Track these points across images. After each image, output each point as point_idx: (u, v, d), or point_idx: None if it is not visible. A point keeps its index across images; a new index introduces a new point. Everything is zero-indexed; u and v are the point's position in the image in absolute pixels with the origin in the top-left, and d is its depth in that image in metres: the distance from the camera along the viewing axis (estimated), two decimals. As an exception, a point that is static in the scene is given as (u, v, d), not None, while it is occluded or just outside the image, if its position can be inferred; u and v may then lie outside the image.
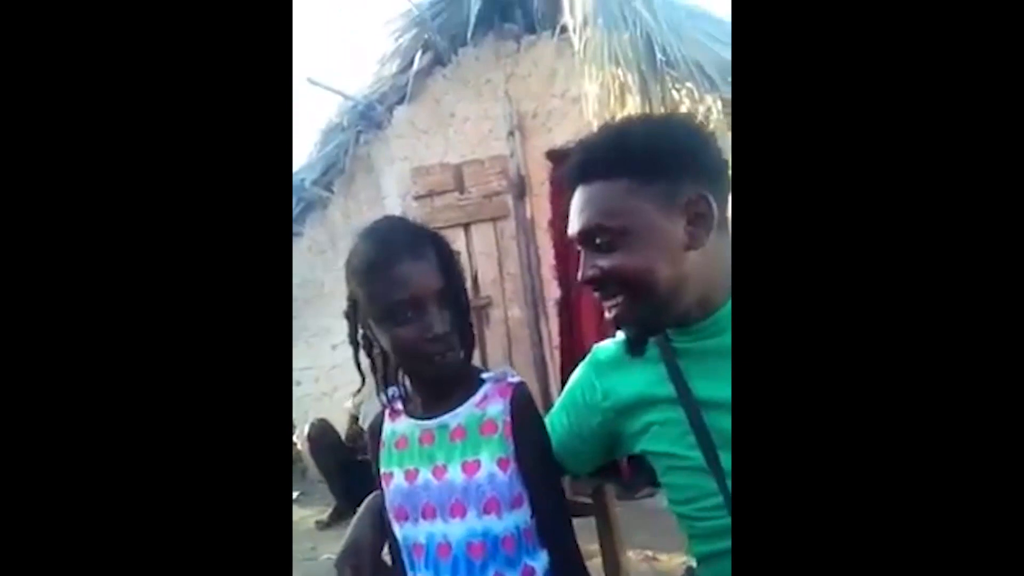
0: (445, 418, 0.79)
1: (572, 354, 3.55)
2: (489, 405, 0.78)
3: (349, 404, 3.32)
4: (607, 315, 0.72)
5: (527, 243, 3.46)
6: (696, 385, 0.72)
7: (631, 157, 0.69)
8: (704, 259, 0.70)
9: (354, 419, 3.24)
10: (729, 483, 0.69)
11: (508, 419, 0.77)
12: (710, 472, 0.69)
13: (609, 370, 0.82)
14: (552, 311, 3.41)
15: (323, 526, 3.05)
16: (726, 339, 0.71)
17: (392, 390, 0.82)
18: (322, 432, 3.09)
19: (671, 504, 0.78)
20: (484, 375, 0.81)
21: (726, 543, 0.57)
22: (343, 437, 3.18)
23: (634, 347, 0.76)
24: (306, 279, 3.82)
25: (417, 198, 3.53)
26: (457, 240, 3.45)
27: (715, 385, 0.71)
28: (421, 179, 3.53)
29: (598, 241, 0.69)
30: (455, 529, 0.75)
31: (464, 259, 3.43)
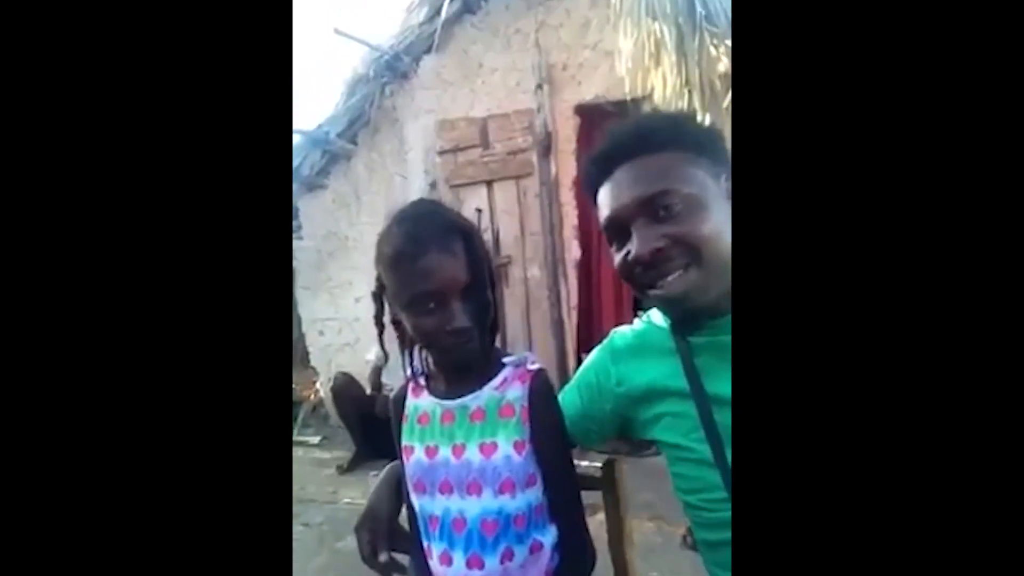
0: (466, 399, 0.80)
1: (589, 316, 3.57)
2: (508, 389, 0.80)
3: (371, 356, 3.41)
4: (661, 292, 0.68)
5: (550, 202, 3.42)
6: (709, 381, 0.72)
7: (684, 131, 0.71)
8: None
9: (376, 369, 3.33)
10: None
11: (526, 404, 0.78)
12: (716, 467, 0.69)
13: (625, 357, 0.82)
14: (571, 272, 3.40)
15: (343, 471, 3.19)
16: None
17: (416, 367, 0.84)
18: (345, 385, 3.19)
19: (677, 491, 0.79)
20: (505, 359, 0.82)
21: (729, 534, 0.58)
22: (367, 388, 3.28)
23: (684, 326, 0.72)
24: (330, 232, 3.85)
25: (441, 153, 3.50)
26: (479, 197, 3.43)
27: (728, 382, 0.71)
28: (446, 133, 3.48)
29: (662, 209, 0.66)
30: (471, 506, 0.78)
31: (485, 216, 3.43)
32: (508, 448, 0.77)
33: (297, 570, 1.98)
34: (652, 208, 0.68)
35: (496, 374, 0.80)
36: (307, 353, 4.06)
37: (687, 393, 0.73)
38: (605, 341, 0.87)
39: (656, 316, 0.83)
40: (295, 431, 4.00)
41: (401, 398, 0.87)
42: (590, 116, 3.37)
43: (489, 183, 3.46)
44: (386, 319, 0.84)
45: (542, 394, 0.80)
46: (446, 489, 0.79)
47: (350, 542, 0.82)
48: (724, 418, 0.69)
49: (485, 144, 3.43)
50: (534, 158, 3.35)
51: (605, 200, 0.72)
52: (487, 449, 0.78)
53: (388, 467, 0.90)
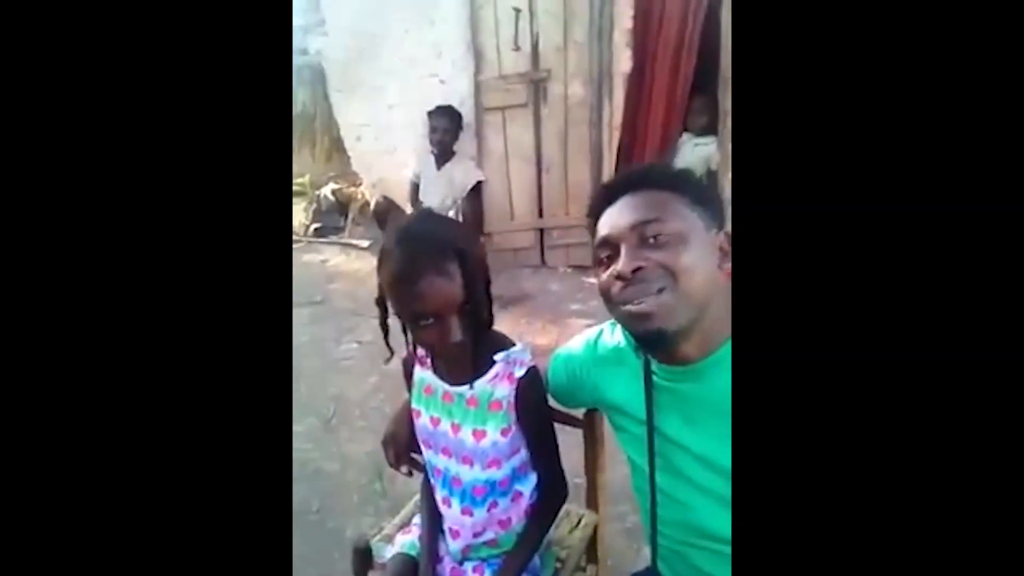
0: (462, 388, 0.91)
1: (632, 139, 3.33)
2: (498, 386, 0.90)
3: (409, 172, 3.43)
4: (631, 307, 0.71)
5: (601, 1, 2.92)
6: (661, 418, 0.78)
7: (690, 181, 0.78)
8: (719, 301, 0.72)
9: (415, 187, 3.38)
10: (658, 508, 0.79)
11: (512, 400, 0.89)
12: (648, 489, 0.79)
13: (603, 365, 0.88)
14: (619, 88, 3.07)
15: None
16: (705, 387, 0.73)
17: (419, 352, 0.95)
18: (387, 208, 3.33)
19: (632, 484, 0.91)
20: (496, 357, 0.89)
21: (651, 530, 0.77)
22: (407, 207, 3.39)
23: (646, 347, 0.77)
24: (355, 27, 3.50)
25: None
26: (519, -6, 2.96)
27: (680, 428, 0.76)
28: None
29: (651, 235, 0.72)
30: (464, 473, 0.94)
31: (524, 19, 3.00)
32: (496, 435, 0.91)
33: (350, 391, 2.39)
34: (643, 233, 0.72)
35: (488, 369, 0.90)
36: (348, 157, 4.08)
37: (642, 420, 0.80)
38: (595, 333, 0.92)
39: None
40: (345, 232, 4.29)
41: (410, 364, 0.99)
42: None
43: (530, -25, 2.94)
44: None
45: (528, 393, 0.90)
46: (446, 453, 0.95)
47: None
48: (665, 449, 0.79)
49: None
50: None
51: (604, 222, 0.77)
52: (478, 435, 0.92)
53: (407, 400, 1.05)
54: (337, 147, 4.59)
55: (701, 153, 3.27)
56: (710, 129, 3.21)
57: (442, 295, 0.79)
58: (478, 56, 3.19)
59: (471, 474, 0.93)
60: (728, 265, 0.74)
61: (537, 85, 3.11)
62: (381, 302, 0.87)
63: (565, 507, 1.07)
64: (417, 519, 1.05)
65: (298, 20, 3.99)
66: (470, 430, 0.91)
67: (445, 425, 0.94)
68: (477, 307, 0.83)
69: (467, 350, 0.86)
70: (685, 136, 3.38)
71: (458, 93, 3.30)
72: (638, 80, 3.18)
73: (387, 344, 0.91)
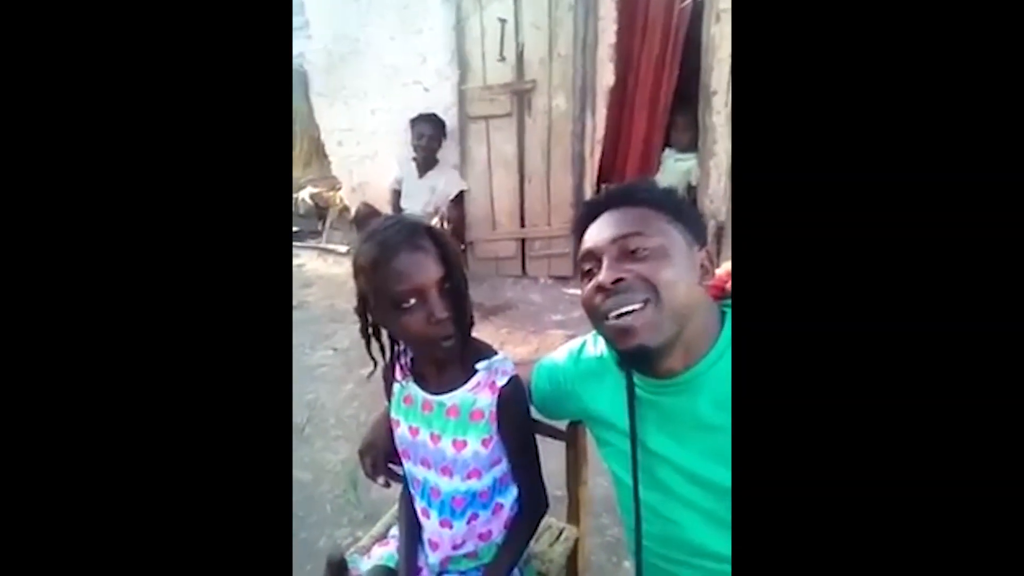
0: (443, 397, 0.89)
1: (615, 151, 3.38)
2: (479, 395, 0.87)
3: (391, 178, 3.40)
4: (614, 322, 0.71)
5: (586, 15, 2.96)
6: (644, 430, 0.78)
7: (672, 199, 0.78)
8: (700, 315, 0.73)
9: (395, 192, 3.36)
10: (643, 523, 0.78)
11: (494, 410, 0.87)
12: (632, 504, 0.79)
13: (587, 377, 0.87)
14: (601, 101, 3.11)
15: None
16: (688, 400, 0.72)
17: (402, 360, 0.92)
18: (368, 215, 3.30)
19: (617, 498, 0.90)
20: (478, 365, 0.88)
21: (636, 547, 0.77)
22: (389, 211, 3.36)
23: (629, 362, 0.77)
24: (339, 32, 3.48)
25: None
26: (504, 4, 2.98)
27: (663, 441, 0.76)
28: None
29: (633, 248, 0.72)
30: (444, 485, 0.92)
31: (510, 29, 3.02)
32: (477, 445, 0.88)
33: (324, 399, 2.34)
34: (624, 246, 0.73)
35: (470, 378, 0.88)
36: (328, 161, 4.04)
37: (626, 433, 0.79)
38: (578, 344, 0.91)
39: None
40: (323, 238, 4.23)
41: (391, 373, 0.96)
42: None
43: (517, -13, 2.97)
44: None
45: (510, 403, 0.88)
46: (425, 464, 0.93)
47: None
48: (649, 463, 0.78)
49: (514, -66, 2.85)
50: (571, -43, 2.81)
51: (588, 236, 0.77)
52: (458, 445, 0.89)
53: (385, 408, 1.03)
54: (317, 151, 4.54)
55: (682, 168, 3.33)
56: (692, 146, 3.27)
57: (420, 268, 0.78)
58: (463, 65, 3.19)
59: (451, 485, 0.91)
60: (709, 281, 0.75)
61: (521, 96, 3.13)
62: (361, 311, 0.85)
63: (547, 520, 1.06)
64: (395, 530, 1.03)
65: (281, 22, 3.95)
66: (450, 440, 0.89)
67: (424, 435, 0.91)
68: (458, 280, 0.81)
69: (454, 334, 0.83)
70: (667, 151, 3.43)
71: (442, 101, 3.29)
72: (620, 94, 3.22)
73: (370, 354, 0.88)
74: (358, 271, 0.82)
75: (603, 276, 0.71)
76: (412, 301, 0.78)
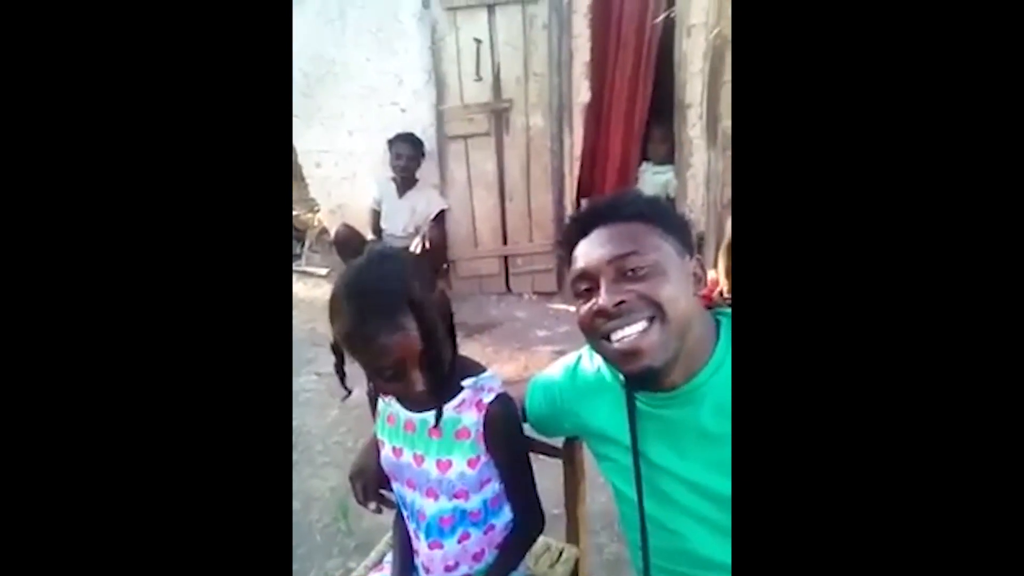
0: (425, 415, 0.87)
1: (592, 166, 3.41)
2: (464, 413, 0.85)
3: (370, 199, 3.38)
4: (619, 345, 0.71)
5: (560, 34, 3.01)
6: (646, 443, 0.77)
7: (660, 210, 0.78)
8: (697, 326, 0.73)
9: (375, 214, 3.34)
10: (648, 537, 0.78)
11: (480, 429, 0.85)
12: (636, 519, 0.78)
13: (584, 392, 0.86)
14: (578, 119, 3.15)
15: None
16: (689, 411, 0.72)
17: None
18: (348, 236, 3.27)
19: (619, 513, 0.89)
20: (464, 383, 0.86)
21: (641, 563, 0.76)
22: (367, 233, 3.34)
23: (635, 383, 0.77)
24: (316, 54, 3.48)
25: (435, -33, 2.97)
26: (478, 24, 3.02)
27: (666, 454, 0.75)
28: (440, -59, 2.91)
29: (630, 269, 0.71)
30: (429, 506, 0.89)
31: (485, 49, 3.05)
32: (462, 465, 0.86)
33: (310, 425, 2.29)
34: (621, 267, 0.72)
35: (455, 395, 0.85)
36: (306, 183, 4.00)
37: (627, 447, 0.78)
38: (573, 360, 0.91)
39: None
40: (302, 260, 4.18)
41: (375, 394, 0.94)
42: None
43: (491, 7, 3.00)
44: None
45: (498, 421, 0.86)
46: (410, 486, 0.91)
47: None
48: (652, 476, 0.78)
49: (487, -43, 2.89)
50: (544, -23, 2.86)
51: (579, 255, 0.76)
52: (443, 465, 0.87)
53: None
54: (294, 173, 4.50)
55: (659, 180, 3.37)
56: (668, 158, 3.32)
57: (399, 349, 0.76)
58: (440, 85, 3.21)
59: (435, 507, 0.88)
60: (702, 290, 0.75)
61: (499, 115, 3.16)
62: (336, 349, 0.82)
63: (546, 540, 1.04)
64: (390, 556, 1.00)
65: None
66: (434, 460, 0.87)
67: (407, 456, 0.89)
68: (438, 355, 0.79)
69: (432, 397, 0.82)
70: (644, 165, 3.48)
71: (420, 121, 3.30)
72: (597, 110, 3.27)
73: (344, 385, 0.86)
74: (334, 320, 0.78)
75: (604, 300, 0.71)
76: (391, 372, 0.78)
